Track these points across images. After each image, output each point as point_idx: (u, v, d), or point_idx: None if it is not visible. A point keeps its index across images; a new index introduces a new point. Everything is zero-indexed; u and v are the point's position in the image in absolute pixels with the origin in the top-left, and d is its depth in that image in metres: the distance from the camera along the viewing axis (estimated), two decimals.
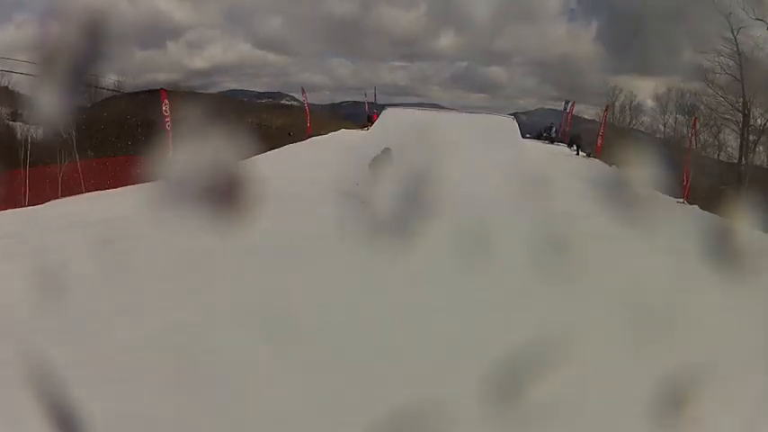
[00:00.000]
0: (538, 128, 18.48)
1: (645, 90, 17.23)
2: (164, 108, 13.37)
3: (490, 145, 14.43)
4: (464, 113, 17.66)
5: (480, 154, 13.16)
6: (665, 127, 16.82)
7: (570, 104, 18.20)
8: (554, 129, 18.61)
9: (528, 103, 19.30)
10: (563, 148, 17.53)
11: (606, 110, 17.38)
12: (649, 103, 17.46)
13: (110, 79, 20.39)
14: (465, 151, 12.65)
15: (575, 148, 16.85)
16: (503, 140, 15.46)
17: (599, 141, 16.38)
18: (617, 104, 17.95)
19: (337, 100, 24.20)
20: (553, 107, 19.55)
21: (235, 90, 24.82)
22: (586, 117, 18.59)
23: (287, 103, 27.43)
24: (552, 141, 18.31)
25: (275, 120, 21.83)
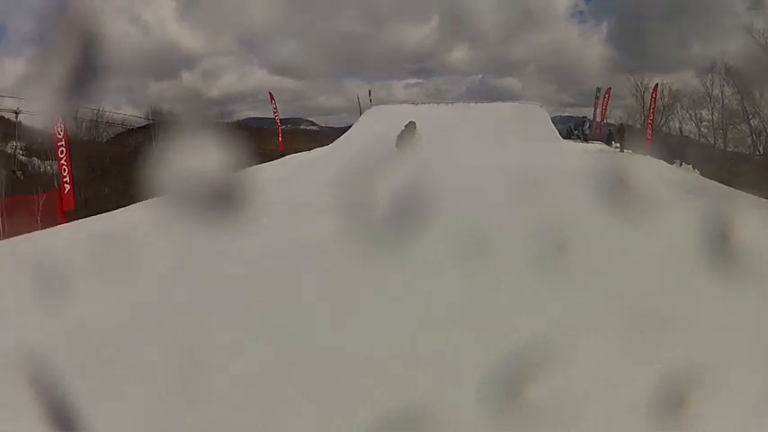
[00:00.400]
0: (566, 125, 16.33)
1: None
2: (56, 129, 9.16)
3: (514, 141, 12.56)
4: (474, 104, 15.90)
5: (498, 154, 11.29)
6: (713, 109, 14.54)
7: (605, 92, 15.62)
8: (588, 124, 16.36)
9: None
10: (601, 146, 15.01)
11: (656, 90, 14.56)
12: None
13: (124, 113, 20.37)
14: (473, 153, 10.86)
15: (616, 145, 14.65)
16: (530, 134, 13.11)
17: (648, 132, 13.89)
18: (645, 100, 15.72)
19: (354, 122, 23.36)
20: (571, 114, 17.84)
21: (253, 118, 24.47)
22: (607, 120, 16.46)
23: (305, 128, 26.93)
24: (586, 139, 15.99)
25: (293, 144, 21.09)
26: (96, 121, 18.51)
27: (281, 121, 21.78)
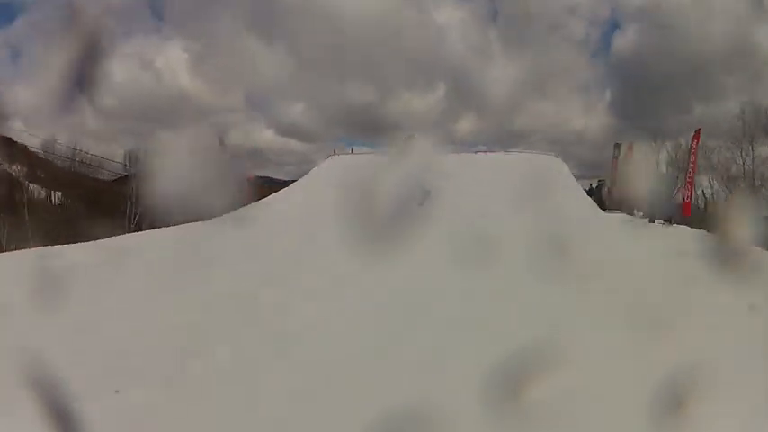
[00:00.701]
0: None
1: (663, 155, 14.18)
2: None
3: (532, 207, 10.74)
4: (476, 153, 14.70)
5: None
6: (744, 164, 13.36)
7: (626, 148, 13.67)
8: (605, 188, 15.04)
9: None
10: (620, 215, 13.04)
11: (698, 137, 11.48)
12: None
13: (101, 156, 20.16)
14: None
15: (639, 213, 12.30)
16: (552, 201, 10.77)
17: (687, 195, 11.21)
18: (661, 157, 14.85)
19: None
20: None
21: (260, 177, 24.24)
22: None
23: None
24: (603, 207, 14.22)
25: None
26: (72, 159, 18.58)
27: (285, 182, 21.37)
